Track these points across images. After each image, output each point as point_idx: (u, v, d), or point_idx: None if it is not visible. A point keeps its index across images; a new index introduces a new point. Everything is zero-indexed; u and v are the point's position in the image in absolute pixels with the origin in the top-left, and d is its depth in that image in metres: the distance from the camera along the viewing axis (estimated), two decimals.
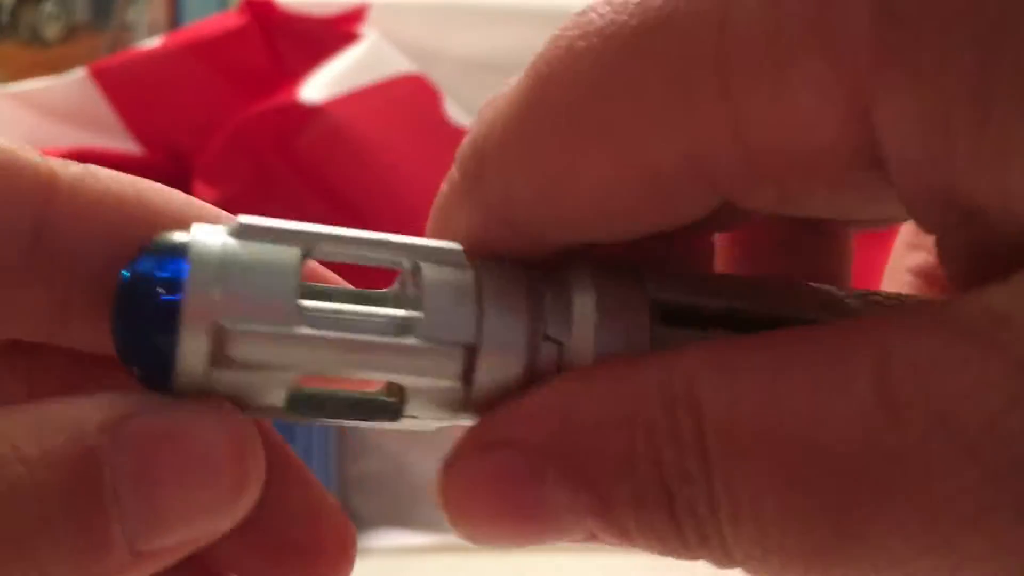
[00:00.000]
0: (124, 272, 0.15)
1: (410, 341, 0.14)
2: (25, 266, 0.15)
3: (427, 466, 0.55)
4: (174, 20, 1.10)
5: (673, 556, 0.14)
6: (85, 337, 0.16)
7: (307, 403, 0.15)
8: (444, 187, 0.16)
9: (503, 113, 0.14)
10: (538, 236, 0.15)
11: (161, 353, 0.14)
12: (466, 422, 0.15)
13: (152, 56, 0.67)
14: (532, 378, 0.15)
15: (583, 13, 0.14)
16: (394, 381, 0.15)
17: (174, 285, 0.14)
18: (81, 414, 0.14)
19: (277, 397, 0.15)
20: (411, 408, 0.15)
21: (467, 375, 0.15)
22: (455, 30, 0.68)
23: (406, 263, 0.15)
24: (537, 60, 0.14)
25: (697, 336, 0.15)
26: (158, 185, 0.16)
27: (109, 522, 0.13)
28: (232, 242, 0.15)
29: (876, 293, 0.17)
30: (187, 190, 0.59)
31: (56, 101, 0.65)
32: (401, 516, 0.58)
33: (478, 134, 0.15)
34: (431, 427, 0.16)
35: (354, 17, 0.68)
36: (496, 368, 0.15)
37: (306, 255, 0.15)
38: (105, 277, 0.15)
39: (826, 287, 0.17)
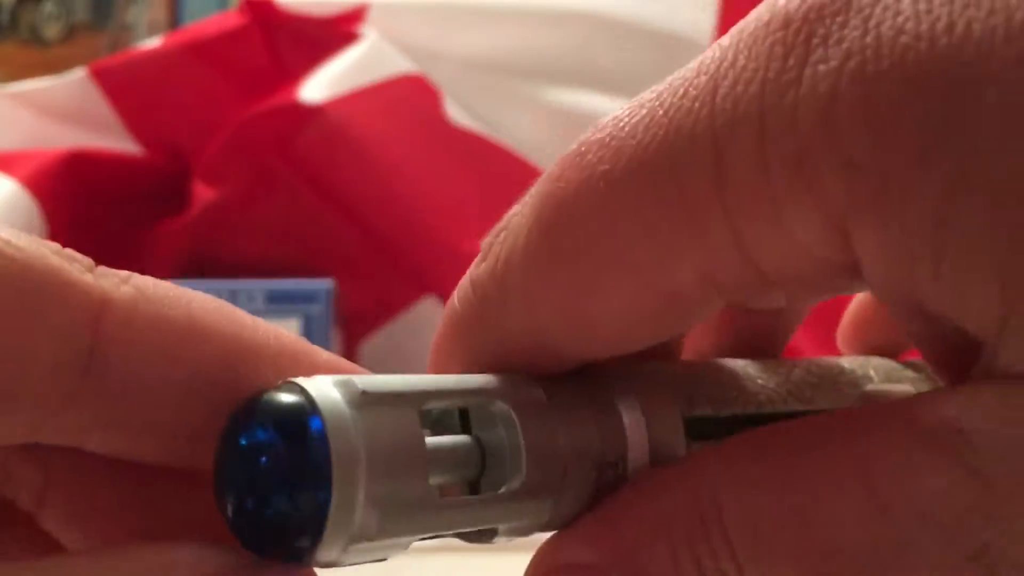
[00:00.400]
0: (241, 440, 0.15)
1: (513, 489, 0.16)
2: (75, 391, 0.15)
3: None
4: (174, 20, 1.10)
5: None
6: (126, 455, 0.16)
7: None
8: (453, 310, 0.17)
9: (521, 243, 0.16)
10: (561, 355, 0.17)
11: (306, 526, 0.14)
12: None
13: (152, 56, 0.67)
14: (596, 499, 0.17)
15: (580, 154, 0.16)
16: (495, 528, 0.16)
17: (315, 453, 0.14)
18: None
19: (396, 553, 0.15)
20: (500, 536, 0.16)
21: (552, 511, 0.16)
22: (455, 30, 0.68)
23: (500, 406, 0.16)
24: (544, 200, 0.16)
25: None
26: (209, 303, 0.16)
27: None
28: (357, 407, 0.14)
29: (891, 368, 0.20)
30: (187, 190, 0.59)
31: (56, 101, 0.65)
32: None
33: (496, 263, 0.17)
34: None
35: (354, 17, 0.67)
36: (572, 503, 0.16)
37: (420, 412, 0.15)
38: (156, 400, 0.16)
39: (847, 365, 0.20)
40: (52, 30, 1.09)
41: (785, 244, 0.15)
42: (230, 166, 0.61)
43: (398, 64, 0.65)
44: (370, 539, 0.14)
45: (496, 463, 0.16)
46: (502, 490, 0.16)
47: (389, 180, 0.61)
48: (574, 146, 0.16)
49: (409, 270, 0.60)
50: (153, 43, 0.69)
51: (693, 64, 0.15)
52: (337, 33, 0.66)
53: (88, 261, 0.16)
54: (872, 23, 0.14)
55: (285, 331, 0.17)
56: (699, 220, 0.15)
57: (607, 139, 0.16)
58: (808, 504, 0.15)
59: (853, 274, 0.15)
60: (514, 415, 0.16)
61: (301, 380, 0.15)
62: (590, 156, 0.16)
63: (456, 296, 0.17)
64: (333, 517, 0.14)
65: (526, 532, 0.17)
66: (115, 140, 0.64)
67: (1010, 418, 0.14)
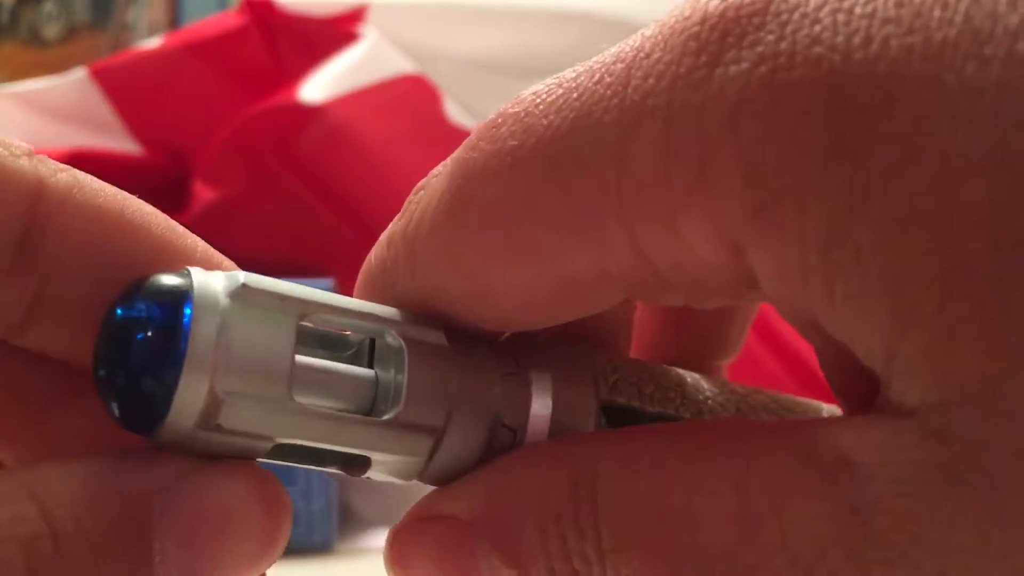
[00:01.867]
0: (117, 310, 0.15)
1: (387, 418, 0.16)
2: (4, 269, 0.16)
3: None
4: (174, 20, 1.10)
5: None
6: (44, 342, 0.17)
7: (282, 453, 0.16)
8: (368, 265, 0.18)
9: (431, 212, 0.16)
10: (461, 322, 0.17)
11: (153, 402, 0.14)
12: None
13: (152, 56, 0.66)
14: (485, 458, 0.16)
15: (496, 125, 0.16)
16: (366, 455, 0.16)
17: (175, 334, 0.14)
18: (131, 480, 0.15)
19: (255, 454, 0.15)
20: (374, 470, 0.16)
21: (430, 453, 0.16)
22: (455, 30, 0.68)
23: (391, 339, 0.16)
24: (457, 168, 0.16)
25: None
26: (143, 206, 0.17)
27: None
28: (232, 299, 0.15)
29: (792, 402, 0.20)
30: (187, 190, 0.59)
31: (56, 101, 0.65)
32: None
33: (402, 236, 0.17)
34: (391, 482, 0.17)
35: (354, 17, 0.67)
36: (455, 451, 0.16)
37: (300, 321, 0.16)
38: (81, 289, 0.16)
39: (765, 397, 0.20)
40: (52, 30, 1.09)
41: (678, 249, 0.14)
42: (230, 166, 0.61)
43: (398, 64, 0.65)
44: (220, 429, 0.14)
45: (385, 398, 0.16)
46: (375, 417, 0.16)
47: (389, 180, 0.61)
48: (493, 115, 0.16)
49: None
50: (153, 43, 0.69)
51: (614, 49, 0.15)
52: (337, 33, 0.66)
53: (26, 147, 0.16)
54: (789, 29, 0.13)
55: (212, 248, 0.17)
56: (596, 214, 0.14)
57: (522, 114, 0.15)
58: (680, 503, 0.14)
59: (748, 285, 0.14)
60: (404, 346, 0.16)
61: (194, 269, 0.15)
62: (503, 129, 0.15)
63: (372, 251, 0.18)
64: (178, 397, 0.14)
65: (402, 475, 0.17)
66: (115, 140, 0.64)
67: (899, 458, 0.13)
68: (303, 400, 0.15)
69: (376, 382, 0.16)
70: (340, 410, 0.16)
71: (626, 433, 0.16)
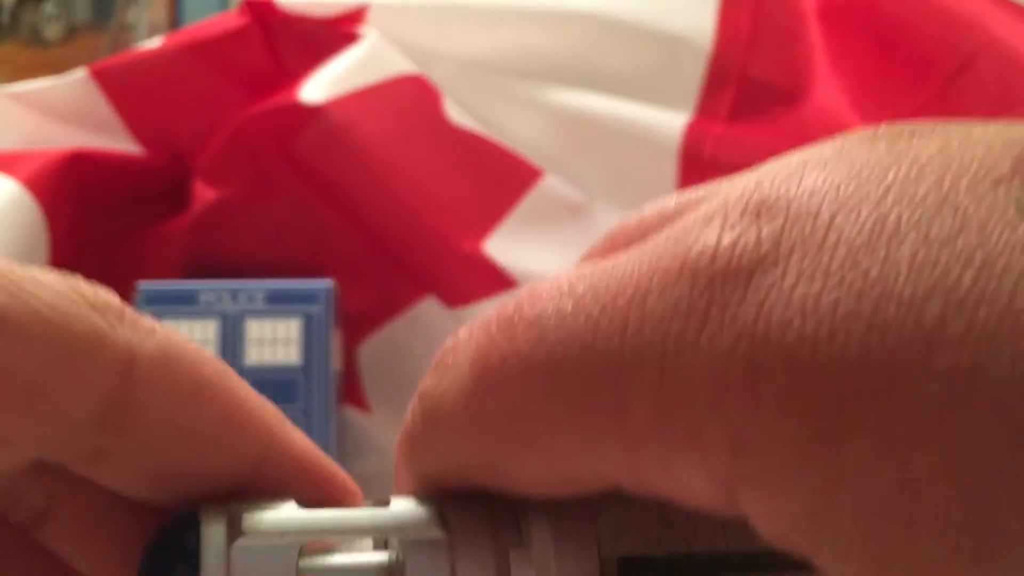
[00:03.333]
0: (147, 562, 0.18)
1: None
2: (104, 443, 0.18)
3: None
4: (174, 20, 1.10)
5: None
6: (118, 485, 0.19)
7: None
8: (406, 420, 0.20)
9: (453, 393, 0.18)
10: (480, 487, 0.19)
11: None
12: None
13: (153, 56, 0.66)
14: None
15: (512, 323, 0.17)
16: None
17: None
18: None
19: None
20: None
21: None
22: (455, 30, 0.68)
23: (393, 543, 0.18)
24: (478, 357, 0.17)
25: None
26: (225, 374, 0.19)
27: None
28: (236, 550, 0.17)
29: None
30: (187, 190, 0.59)
31: (56, 101, 0.65)
32: None
33: (431, 400, 0.19)
34: None
35: (354, 17, 0.67)
36: None
37: (302, 546, 0.18)
38: (163, 450, 0.18)
39: None
40: (53, 30, 1.09)
41: (679, 488, 0.16)
42: (231, 166, 0.61)
43: (398, 64, 0.65)
44: None
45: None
46: None
47: (389, 180, 0.61)
48: (511, 305, 0.18)
49: (409, 270, 0.60)
50: (153, 43, 0.69)
51: (621, 264, 0.16)
52: (337, 33, 0.66)
53: (118, 307, 0.18)
54: (765, 308, 0.14)
55: (269, 404, 0.20)
56: (601, 441, 0.16)
57: (535, 319, 0.17)
58: None
59: (739, 518, 0.16)
60: (408, 553, 0.18)
61: (204, 515, 0.18)
62: (519, 331, 0.17)
63: (410, 406, 0.20)
64: None
65: None
66: (116, 140, 0.64)
67: None
68: None
69: (388, 566, 0.19)
70: None
71: None
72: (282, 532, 0.18)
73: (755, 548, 0.18)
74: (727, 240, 0.15)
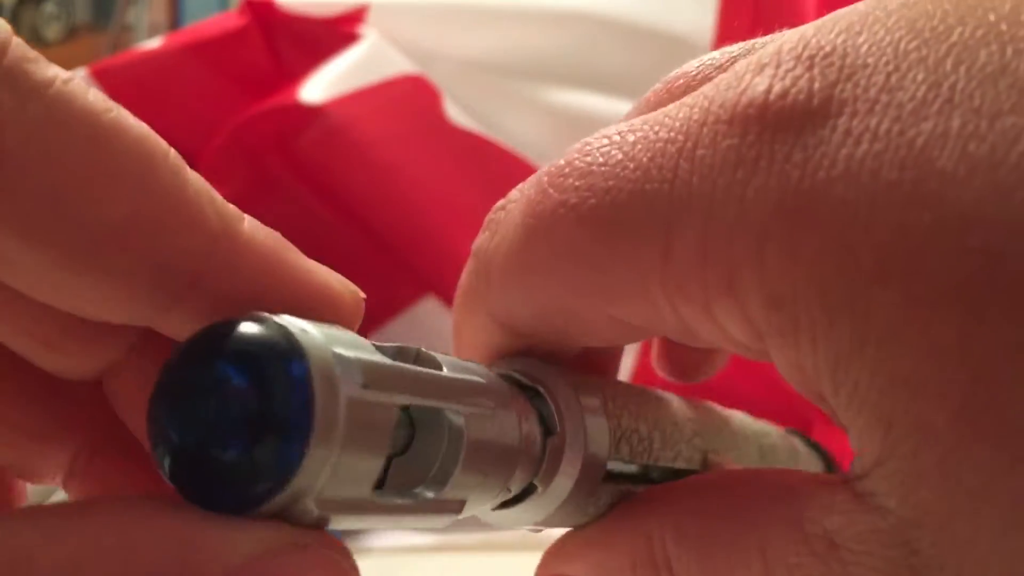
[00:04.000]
0: (201, 371, 0.13)
1: (428, 499, 0.16)
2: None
3: None
4: (175, 20, 1.10)
5: None
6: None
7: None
8: (462, 279, 0.20)
9: (507, 242, 0.18)
10: (530, 338, 0.19)
11: (261, 480, 0.13)
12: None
13: (153, 57, 0.67)
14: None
15: (564, 174, 0.17)
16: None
17: (297, 403, 0.13)
18: (228, 547, 0.13)
19: (328, 524, 0.15)
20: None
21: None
22: (455, 30, 0.68)
23: (450, 416, 0.16)
24: (529, 208, 0.18)
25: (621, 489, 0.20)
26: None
27: None
28: (355, 390, 0.13)
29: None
30: None
31: None
32: None
33: (485, 254, 0.19)
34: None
35: (354, 17, 0.67)
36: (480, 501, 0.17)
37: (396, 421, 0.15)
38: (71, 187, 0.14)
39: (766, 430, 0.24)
40: (53, 31, 1.09)
41: (715, 329, 0.16)
42: (230, 166, 0.61)
43: (398, 64, 0.65)
44: (319, 502, 0.13)
45: (426, 436, 0.16)
46: (424, 493, 0.16)
47: (389, 180, 0.61)
48: (563, 159, 0.18)
49: (409, 270, 0.60)
50: (154, 44, 0.69)
51: (672, 112, 0.16)
52: (337, 33, 0.66)
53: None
54: (810, 167, 0.15)
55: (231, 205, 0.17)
56: (645, 283, 0.16)
57: (585, 170, 0.17)
58: (725, 571, 0.17)
59: (765, 355, 0.16)
60: (462, 429, 0.16)
61: (286, 318, 0.13)
62: (569, 181, 0.17)
63: (466, 265, 0.20)
64: (299, 476, 0.13)
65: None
66: None
67: (878, 552, 0.15)
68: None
69: (410, 420, 0.16)
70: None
71: (678, 500, 0.18)
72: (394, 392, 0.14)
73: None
74: (778, 88, 0.15)
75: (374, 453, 0.14)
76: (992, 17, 0.14)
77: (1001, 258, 0.13)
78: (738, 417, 0.24)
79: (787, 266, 0.15)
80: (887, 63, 0.15)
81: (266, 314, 0.14)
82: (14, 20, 1.05)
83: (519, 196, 0.18)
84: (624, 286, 0.17)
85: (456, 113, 0.65)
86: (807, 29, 0.16)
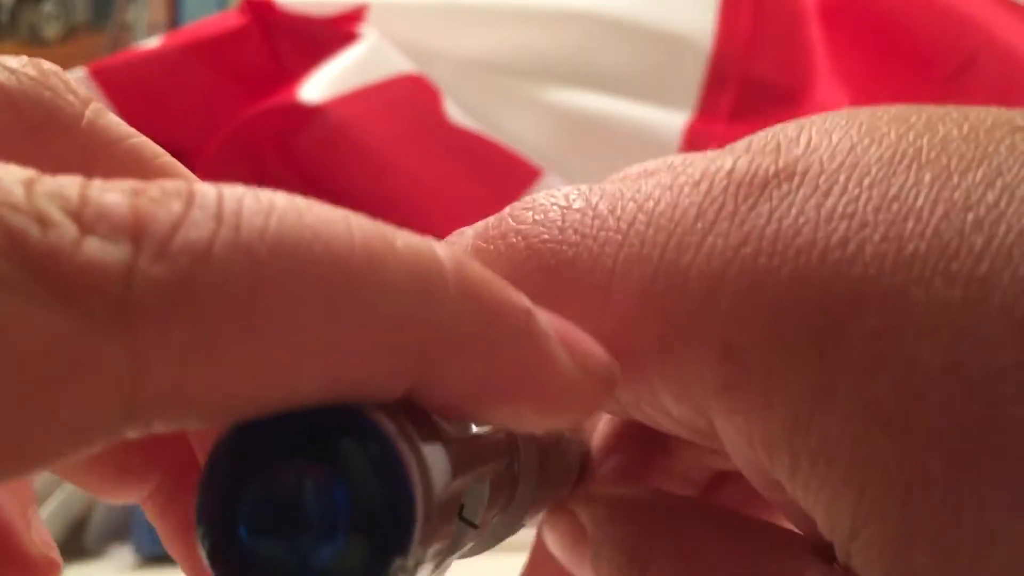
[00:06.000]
0: (276, 471, 0.12)
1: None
2: None
3: None
4: (174, 20, 1.10)
5: None
6: None
7: None
8: None
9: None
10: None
11: None
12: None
13: (152, 56, 0.66)
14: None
15: (528, 208, 0.17)
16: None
17: (398, 511, 0.12)
18: None
19: None
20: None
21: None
22: (455, 30, 0.68)
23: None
24: (484, 236, 0.17)
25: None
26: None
27: None
28: (432, 461, 0.13)
29: None
30: None
31: None
32: None
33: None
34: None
35: (354, 17, 0.67)
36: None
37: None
38: None
39: None
40: (52, 30, 1.09)
41: (651, 400, 0.15)
42: (230, 166, 0.61)
43: (398, 64, 0.65)
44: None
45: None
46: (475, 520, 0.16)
47: (389, 180, 0.61)
48: (540, 196, 0.17)
49: None
50: (153, 43, 0.69)
51: (633, 182, 0.16)
52: (337, 33, 0.66)
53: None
54: (776, 214, 0.15)
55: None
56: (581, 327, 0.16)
57: (547, 207, 0.17)
58: None
59: (720, 443, 0.16)
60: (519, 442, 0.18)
61: (371, 412, 0.12)
62: (530, 214, 0.17)
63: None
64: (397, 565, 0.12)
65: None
66: None
67: None
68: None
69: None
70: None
71: (672, 522, 0.18)
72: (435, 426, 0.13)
73: None
74: (744, 162, 0.15)
75: (450, 511, 0.13)
76: (942, 111, 0.15)
77: (987, 282, 0.13)
78: None
79: (745, 314, 0.14)
80: (851, 136, 0.15)
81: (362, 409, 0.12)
82: (13, 19, 1.05)
83: (461, 238, 0.18)
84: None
85: (456, 113, 0.65)
86: (772, 129, 0.17)
